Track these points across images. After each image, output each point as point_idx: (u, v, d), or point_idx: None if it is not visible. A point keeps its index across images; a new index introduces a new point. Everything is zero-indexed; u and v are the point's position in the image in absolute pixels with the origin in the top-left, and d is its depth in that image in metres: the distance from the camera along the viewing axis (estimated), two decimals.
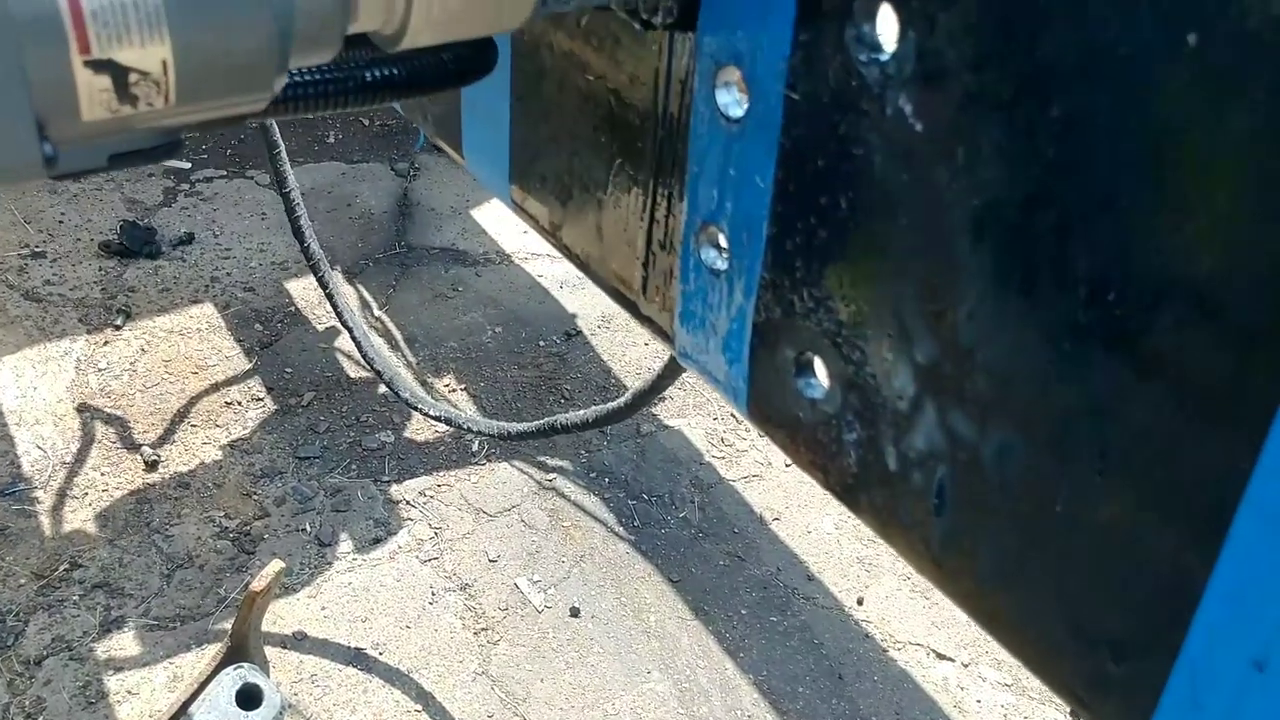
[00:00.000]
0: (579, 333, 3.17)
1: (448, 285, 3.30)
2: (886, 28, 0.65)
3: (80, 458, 2.62)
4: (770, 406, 0.82)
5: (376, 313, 3.16)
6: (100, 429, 2.69)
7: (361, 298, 3.21)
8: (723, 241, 0.82)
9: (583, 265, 1.00)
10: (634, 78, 0.85)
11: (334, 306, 2.28)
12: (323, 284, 2.22)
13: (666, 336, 0.92)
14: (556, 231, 1.01)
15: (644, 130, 0.86)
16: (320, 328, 3.06)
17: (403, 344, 3.07)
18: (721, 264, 0.82)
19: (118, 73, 0.49)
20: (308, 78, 0.66)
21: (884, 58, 0.65)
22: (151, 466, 2.61)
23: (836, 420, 0.76)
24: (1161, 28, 0.51)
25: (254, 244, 3.33)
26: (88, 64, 0.48)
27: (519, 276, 3.36)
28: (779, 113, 0.73)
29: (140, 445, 2.65)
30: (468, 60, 0.74)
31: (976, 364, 0.65)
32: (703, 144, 0.80)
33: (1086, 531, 0.61)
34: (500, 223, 3.55)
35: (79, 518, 2.47)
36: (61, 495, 2.52)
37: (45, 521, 2.45)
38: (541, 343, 3.14)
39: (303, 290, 3.15)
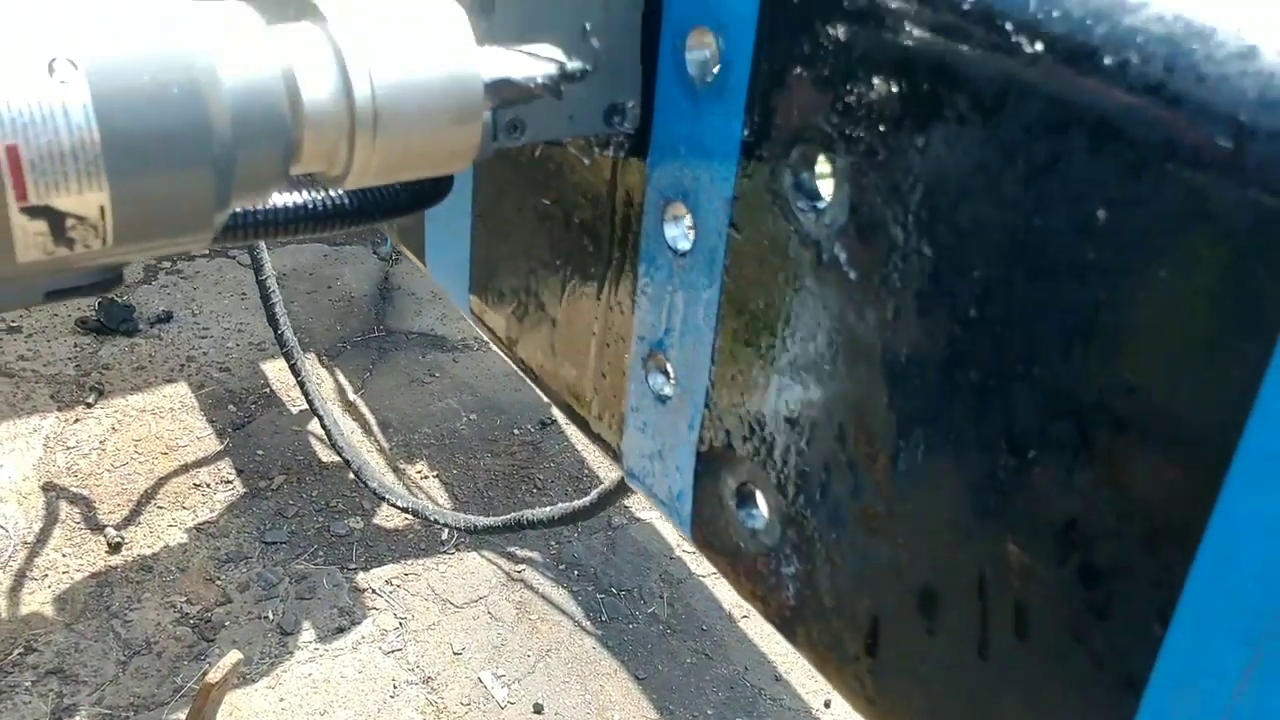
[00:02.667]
0: (553, 421, 3.17)
1: (424, 370, 3.30)
2: (824, 178, 0.67)
3: (42, 538, 2.59)
4: (713, 534, 0.83)
5: (351, 396, 3.16)
6: (65, 508, 2.66)
7: (337, 381, 3.21)
8: (669, 369, 0.83)
9: (536, 379, 1.01)
10: (588, 205, 0.87)
11: (305, 393, 2.29)
12: (295, 371, 2.23)
13: (615, 455, 0.93)
14: (513, 345, 1.02)
15: (597, 255, 0.88)
16: (294, 410, 3.05)
17: (377, 429, 3.06)
18: (668, 390, 0.83)
19: (55, 218, 0.50)
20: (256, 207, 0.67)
21: (821, 205, 0.67)
22: (114, 548, 2.58)
23: (776, 553, 0.76)
24: (1070, 204, 0.52)
25: (232, 324, 3.33)
26: (24, 210, 0.49)
27: (496, 363, 3.37)
28: (722, 250, 0.74)
29: (104, 526, 2.62)
30: (420, 189, 0.75)
31: (907, 508, 0.65)
32: (651, 274, 0.82)
33: (1012, 683, 0.61)
34: None
35: (37, 600, 2.44)
36: (20, 576, 2.49)
37: (2, 603, 2.41)
38: (516, 431, 3.14)
39: (279, 372, 3.15)
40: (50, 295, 0.55)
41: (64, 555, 2.55)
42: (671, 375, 0.83)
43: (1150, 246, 0.50)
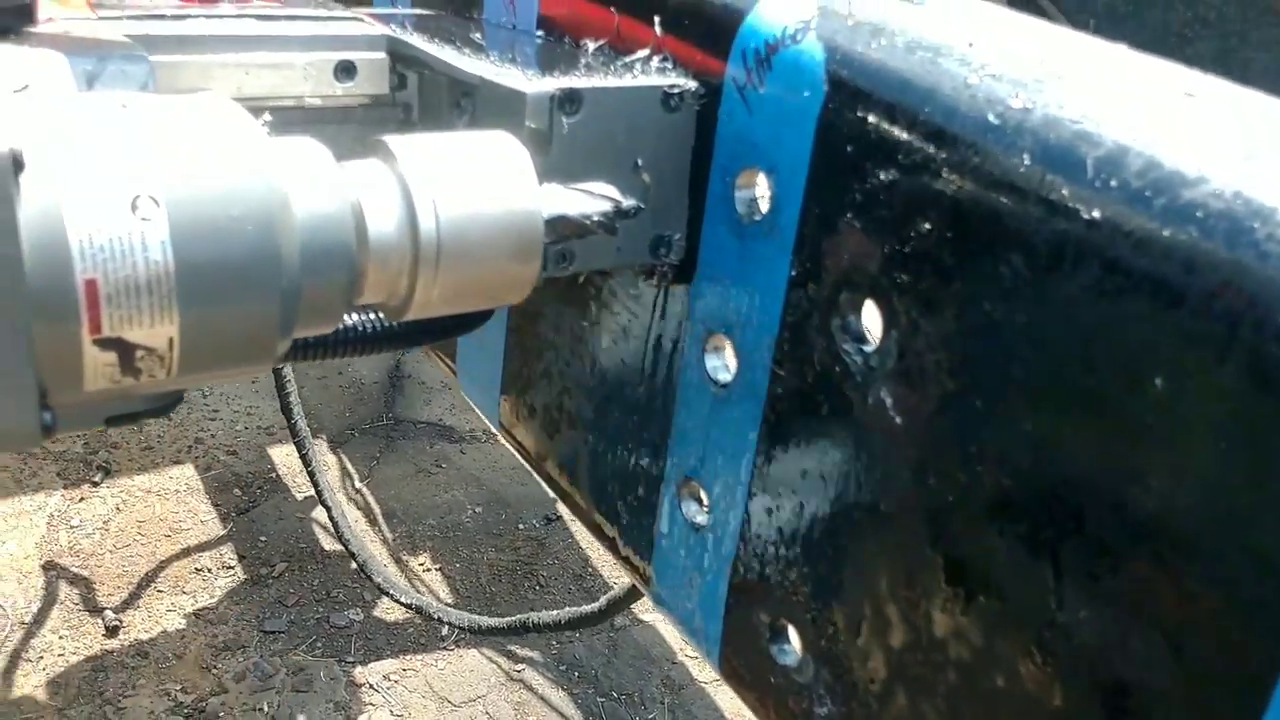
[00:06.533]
0: (559, 517, 3.15)
1: (431, 461, 3.29)
2: (872, 322, 0.68)
3: (40, 618, 2.55)
4: (742, 666, 0.82)
5: (358, 484, 3.15)
6: (64, 589, 2.63)
7: (344, 468, 3.19)
8: (704, 498, 0.83)
9: (564, 497, 1.01)
10: (628, 329, 0.88)
11: (314, 484, 2.28)
12: (305, 461, 2.22)
13: (643, 579, 0.92)
14: (541, 462, 1.02)
15: (634, 379, 0.88)
16: (299, 496, 3.04)
17: (381, 519, 3.04)
18: (702, 519, 0.83)
19: (124, 350, 0.51)
20: None
21: (868, 349, 0.68)
22: (112, 632, 2.54)
23: (808, 691, 0.75)
24: (1126, 367, 0.53)
25: (241, 407, 3.34)
26: (96, 342, 0.50)
27: (503, 456, 3.36)
28: (764, 385, 0.75)
29: (103, 609, 2.59)
30: (465, 315, 0.76)
31: (952, 659, 0.64)
32: (689, 402, 0.82)
33: None
34: None
35: (31, 683, 2.40)
36: (15, 657, 2.45)
37: None
38: (521, 525, 3.12)
39: (285, 457, 3.14)
40: (110, 420, 0.56)
41: (60, 637, 2.51)
42: (705, 504, 0.83)
43: (1210, 418, 0.50)
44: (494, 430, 1.12)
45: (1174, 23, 1.85)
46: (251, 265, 0.53)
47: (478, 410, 1.13)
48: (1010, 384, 0.59)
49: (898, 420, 0.66)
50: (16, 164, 0.47)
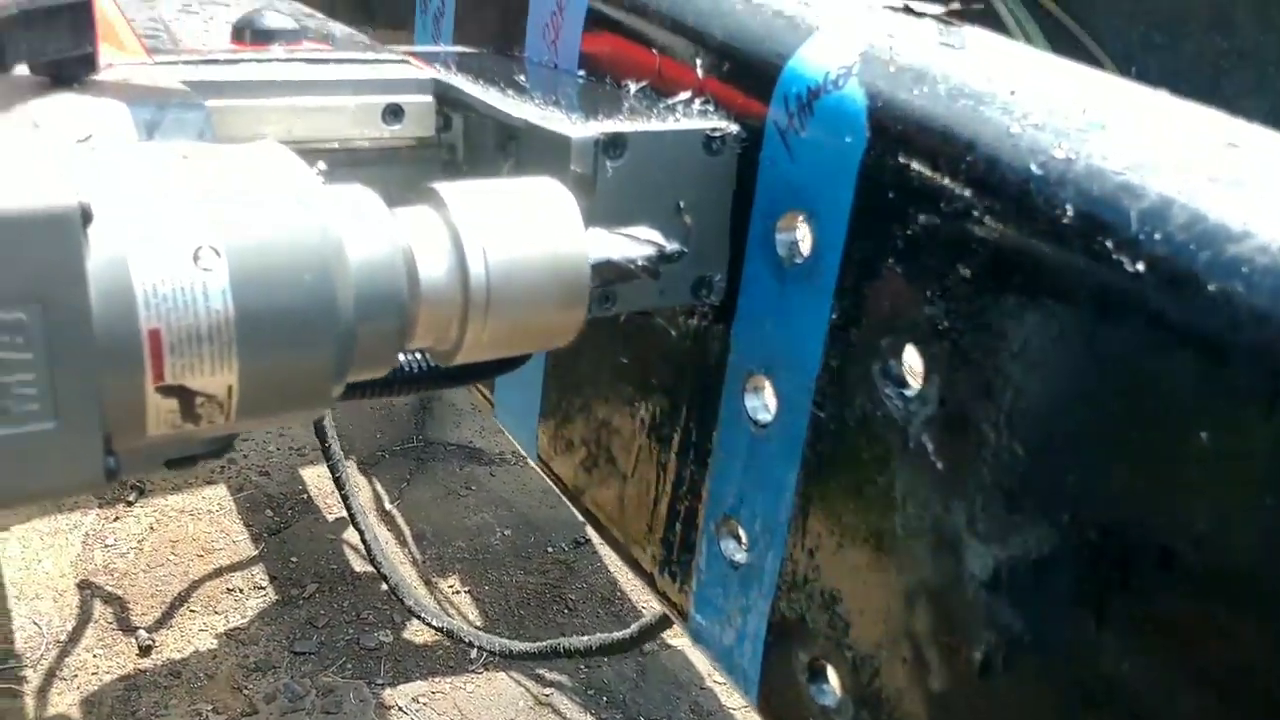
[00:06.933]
0: (588, 541, 3.16)
1: (461, 483, 3.31)
2: (913, 366, 0.68)
3: (75, 637, 2.58)
4: (780, 705, 0.82)
5: (388, 506, 3.17)
6: (99, 608, 2.66)
7: (374, 490, 3.21)
8: (743, 536, 0.83)
9: (602, 531, 1.01)
10: (668, 367, 0.89)
11: (347, 506, 2.30)
12: (339, 483, 2.24)
13: (681, 615, 0.92)
14: (579, 495, 1.03)
15: (674, 416, 0.89)
16: (330, 518, 3.06)
17: (411, 541, 3.06)
18: (741, 557, 0.84)
19: (186, 397, 0.52)
20: None
21: (909, 394, 0.68)
22: (145, 651, 2.56)
23: None
24: (1171, 422, 0.53)
25: (273, 429, 3.36)
26: (159, 389, 0.51)
27: (533, 479, 3.37)
28: (804, 425, 0.75)
29: (136, 628, 2.61)
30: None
31: (990, 703, 0.65)
32: (729, 441, 0.83)
33: None
34: None
35: (65, 701, 2.42)
36: (50, 675, 2.47)
37: (30, 703, 2.40)
38: (550, 549, 3.12)
39: (317, 479, 3.17)
40: (170, 464, 0.57)
41: (95, 656, 2.54)
42: (744, 542, 0.83)
43: (1258, 475, 0.51)
44: (525, 455, 1.13)
45: (1209, 53, 1.84)
46: (308, 313, 0.55)
47: (514, 441, 1.14)
48: (1051, 434, 0.59)
49: (938, 465, 0.66)
50: (86, 216, 0.49)
